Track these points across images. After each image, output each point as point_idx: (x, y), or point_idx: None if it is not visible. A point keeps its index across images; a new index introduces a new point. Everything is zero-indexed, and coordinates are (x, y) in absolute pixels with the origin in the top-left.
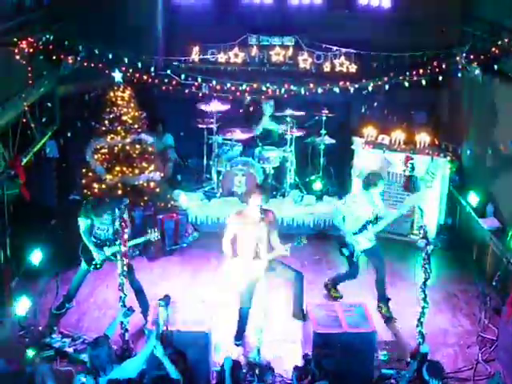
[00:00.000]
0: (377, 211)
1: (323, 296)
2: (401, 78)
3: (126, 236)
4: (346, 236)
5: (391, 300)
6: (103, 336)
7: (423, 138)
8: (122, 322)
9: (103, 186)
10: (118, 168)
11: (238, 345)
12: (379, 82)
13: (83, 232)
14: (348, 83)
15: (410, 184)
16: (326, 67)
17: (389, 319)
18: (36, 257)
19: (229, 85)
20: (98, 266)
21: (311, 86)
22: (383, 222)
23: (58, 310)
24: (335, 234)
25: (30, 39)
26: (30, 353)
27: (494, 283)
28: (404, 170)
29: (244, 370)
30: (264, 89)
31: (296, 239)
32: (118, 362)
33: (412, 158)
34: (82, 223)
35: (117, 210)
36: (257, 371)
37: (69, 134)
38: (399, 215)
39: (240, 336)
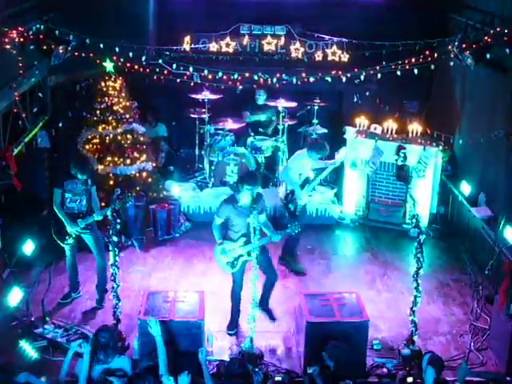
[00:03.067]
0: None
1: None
2: (393, 67)
3: (117, 227)
4: (295, 190)
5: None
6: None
7: (415, 127)
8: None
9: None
10: (109, 158)
11: (231, 334)
12: (371, 72)
13: (55, 203)
14: (340, 72)
15: (403, 173)
16: (318, 56)
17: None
18: (28, 247)
19: (220, 74)
20: (72, 241)
21: (303, 75)
22: (315, 182)
23: (64, 299)
24: (327, 224)
25: (20, 29)
26: (23, 343)
27: (486, 272)
28: (396, 160)
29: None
30: (256, 78)
31: (290, 226)
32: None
33: (404, 148)
34: (56, 195)
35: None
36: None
37: (60, 124)
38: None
39: (233, 325)
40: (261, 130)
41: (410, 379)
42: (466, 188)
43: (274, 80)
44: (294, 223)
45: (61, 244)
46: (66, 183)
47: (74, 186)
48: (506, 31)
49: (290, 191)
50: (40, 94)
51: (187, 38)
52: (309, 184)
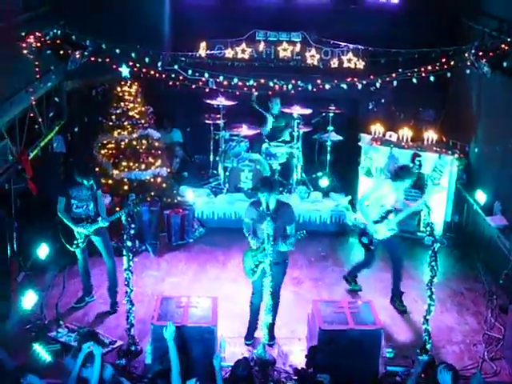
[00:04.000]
0: (398, 204)
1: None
2: (409, 74)
3: (132, 232)
4: (368, 224)
5: (404, 293)
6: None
7: (431, 135)
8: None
9: (110, 182)
10: (124, 163)
11: (248, 344)
12: (387, 79)
13: (60, 210)
14: (356, 79)
15: (419, 181)
16: (334, 63)
17: (402, 313)
18: (42, 251)
19: (236, 80)
20: (81, 245)
21: (318, 81)
22: (403, 214)
23: (78, 303)
24: (340, 230)
25: (37, 34)
26: (36, 347)
27: (500, 281)
28: (411, 167)
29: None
30: (271, 84)
31: (298, 233)
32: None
33: (419, 155)
34: (60, 203)
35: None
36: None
37: (76, 129)
38: (416, 209)
39: (250, 336)
40: (275, 136)
41: None
42: (481, 197)
43: (290, 86)
44: (301, 231)
45: (70, 248)
46: (71, 190)
47: (79, 192)
48: None
49: (363, 225)
50: (56, 99)
51: (203, 44)
52: (389, 217)
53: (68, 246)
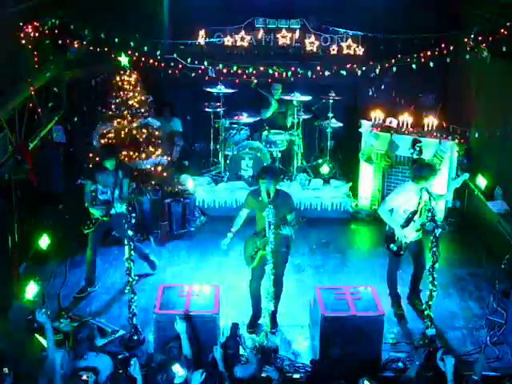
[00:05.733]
0: (422, 203)
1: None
2: (408, 60)
3: (133, 221)
4: (395, 230)
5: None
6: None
7: (431, 120)
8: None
9: None
10: (124, 152)
11: (250, 332)
12: (387, 65)
13: (85, 194)
14: (355, 66)
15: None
16: (333, 50)
17: (421, 311)
18: (44, 242)
19: (235, 68)
20: (91, 226)
21: (318, 68)
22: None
23: (80, 293)
24: (342, 218)
25: (35, 24)
26: (38, 337)
27: (502, 266)
28: (412, 153)
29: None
30: (271, 72)
31: (295, 219)
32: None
33: (420, 141)
34: (86, 185)
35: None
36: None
37: (75, 119)
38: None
39: (252, 324)
40: (275, 123)
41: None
42: (482, 182)
43: (289, 74)
44: (300, 217)
45: (84, 231)
46: (96, 174)
47: (104, 177)
48: None
49: (390, 232)
50: (55, 89)
51: (202, 32)
52: (415, 218)
53: (83, 228)
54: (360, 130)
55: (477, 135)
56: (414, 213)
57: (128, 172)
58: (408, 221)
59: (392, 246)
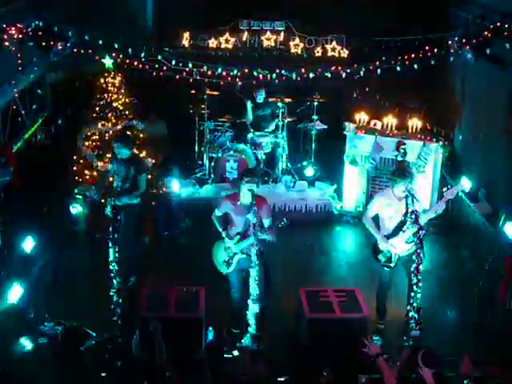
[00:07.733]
0: (410, 209)
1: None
2: (392, 62)
3: (117, 224)
4: (378, 240)
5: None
6: None
7: (415, 122)
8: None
9: (94, 173)
10: (109, 155)
11: (236, 333)
12: (371, 67)
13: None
14: (340, 68)
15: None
16: (318, 52)
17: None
18: (28, 244)
19: (220, 70)
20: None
21: (303, 70)
22: (424, 218)
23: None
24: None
25: (18, 25)
26: (23, 340)
27: (486, 268)
28: (396, 155)
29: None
30: (255, 74)
31: (279, 221)
32: None
33: (404, 143)
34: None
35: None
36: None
37: (60, 121)
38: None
39: (238, 323)
40: (260, 126)
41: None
42: (466, 184)
43: (274, 76)
44: (282, 219)
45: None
46: (113, 163)
47: (118, 166)
48: (506, 26)
49: (376, 241)
50: (39, 91)
51: (186, 34)
52: (403, 228)
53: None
54: (344, 132)
55: (461, 137)
56: (402, 222)
57: (142, 168)
58: (395, 231)
59: (379, 256)
